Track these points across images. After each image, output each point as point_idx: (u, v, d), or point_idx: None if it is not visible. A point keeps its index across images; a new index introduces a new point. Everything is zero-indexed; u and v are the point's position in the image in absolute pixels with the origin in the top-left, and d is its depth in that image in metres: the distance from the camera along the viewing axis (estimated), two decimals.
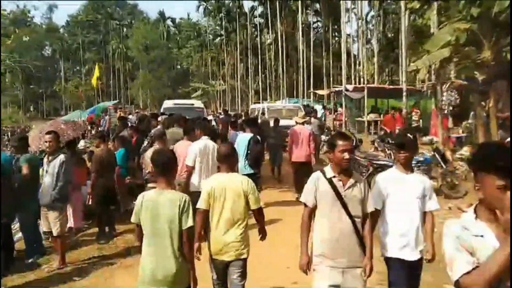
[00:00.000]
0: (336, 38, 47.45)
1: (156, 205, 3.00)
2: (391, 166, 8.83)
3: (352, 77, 36.05)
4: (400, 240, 3.29)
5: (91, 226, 7.36)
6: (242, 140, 7.87)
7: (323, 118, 20.05)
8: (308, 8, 44.72)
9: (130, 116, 21.08)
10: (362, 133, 18.99)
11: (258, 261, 4.03)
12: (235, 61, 52.12)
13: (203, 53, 61.24)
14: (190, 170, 5.79)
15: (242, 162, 7.57)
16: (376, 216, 3.35)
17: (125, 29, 72.95)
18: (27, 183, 5.54)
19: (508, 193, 1.52)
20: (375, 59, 30.64)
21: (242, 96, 51.35)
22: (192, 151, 5.88)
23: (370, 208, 3.18)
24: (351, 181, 3.13)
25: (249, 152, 7.63)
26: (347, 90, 21.86)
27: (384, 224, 3.40)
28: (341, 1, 29.24)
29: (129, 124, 13.14)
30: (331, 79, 39.08)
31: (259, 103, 32.94)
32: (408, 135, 3.46)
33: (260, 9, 51.57)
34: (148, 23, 68.94)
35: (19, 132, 22.13)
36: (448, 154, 10.18)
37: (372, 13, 39.98)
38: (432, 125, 16.17)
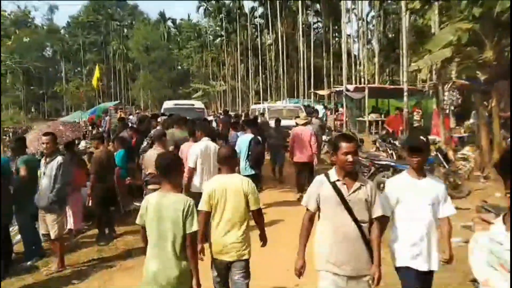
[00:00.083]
0: (337, 39, 47.39)
1: (160, 208, 2.99)
2: (392, 166, 8.95)
3: (353, 78, 35.98)
4: (412, 249, 3.09)
5: (91, 227, 7.31)
6: (242, 141, 7.88)
7: (324, 118, 19.98)
8: (308, 9, 44.67)
9: (130, 117, 21.08)
10: (363, 133, 18.93)
11: (258, 262, 3.97)
12: (236, 62, 52.08)
13: (203, 54, 61.21)
14: (192, 172, 5.78)
15: (243, 163, 7.59)
16: (384, 223, 3.16)
17: (125, 30, 72.95)
18: (25, 185, 5.49)
19: None
20: (376, 59, 30.55)
21: (243, 96, 51.29)
22: (193, 153, 5.87)
23: (377, 213, 3.02)
24: (357, 184, 2.99)
25: (250, 153, 7.64)
26: (347, 90, 21.80)
27: (394, 233, 3.21)
28: (342, 2, 29.18)
29: (130, 125, 13.12)
30: (332, 79, 39.03)
31: (260, 103, 32.90)
32: (421, 137, 3.23)
33: (260, 10, 51.59)
34: (149, 24, 68.97)
35: (21, 133, 22.18)
36: (451, 154, 10.13)
37: (372, 13, 39.93)
38: (433, 125, 16.06)
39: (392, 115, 17.29)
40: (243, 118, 12.70)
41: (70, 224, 7.07)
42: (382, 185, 8.83)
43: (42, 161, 5.26)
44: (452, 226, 3.25)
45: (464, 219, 6.29)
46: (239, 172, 5.96)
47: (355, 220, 2.93)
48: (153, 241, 3.00)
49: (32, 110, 66.79)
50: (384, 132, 14.63)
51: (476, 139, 10.73)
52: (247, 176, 5.59)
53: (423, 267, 3.08)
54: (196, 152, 5.88)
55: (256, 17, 52.60)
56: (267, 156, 10.77)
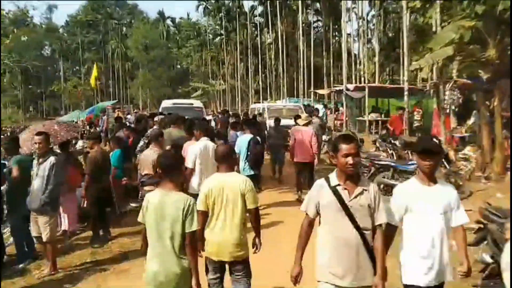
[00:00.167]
0: (337, 38, 47.25)
1: (162, 206, 2.98)
2: (393, 166, 8.84)
3: (353, 77, 35.87)
4: (423, 262, 2.86)
5: (86, 229, 7.17)
6: (242, 141, 7.85)
7: (324, 118, 19.86)
8: (308, 8, 44.55)
9: (128, 116, 20.95)
10: (363, 132, 18.81)
11: (258, 262, 3.90)
12: (235, 61, 51.94)
13: (203, 53, 61.04)
14: (190, 172, 5.69)
15: (242, 164, 7.54)
16: (392, 233, 2.96)
17: (124, 29, 72.76)
18: (17, 185, 5.35)
19: None
20: (376, 58, 30.43)
21: (242, 95, 51.15)
22: (192, 152, 5.76)
23: (381, 219, 2.81)
24: (358, 189, 2.78)
25: (249, 153, 7.61)
26: (347, 89, 21.70)
27: (404, 244, 2.99)
28: (342, 1, 29.04)
29: (128, 124, 13.00)
30: (332, 78, 38.90)
31: (259, 102, 32.79)
32: (434, 139, 3.10)
33: (260, 9, 51.44)
34: (148, 23, 68.76)
35: (19, 132, 22.02)
36: (451, 154, 10.01)
37: (372, 12, 39.78)
38: (434, 125, 15.95)
39: (395, 114, 17.15)
40: (240, 118, 12.58)
41: (64, 225, 6.98)
42: (382, 186, 8.79)
43: (35, 161, 5.12)
44: (466, 237, 3.02)
45: None
46: (238, 172, 5.88)
47: (357, 227, 2.74)
48: (153, 240, 2.99)
49: (31, 109, 66.62)
50: (384, 132, 14.51)
51: (478, 139, 10.61)
52: (246, 176, 5.51)
53: (435, 282, 2.86)
54: (195, 151, 5.81)
55: (256, 16, 52.45)
56: (267, 156, 10.69)
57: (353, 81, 33.33)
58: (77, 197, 7.07)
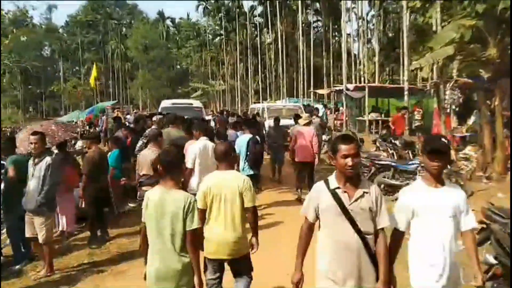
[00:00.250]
0: (336, 38, 47.23)
1: (161, 204, 2.95)
2: (393, 166, 8.77)
3: (353, 77, 35.84)
4: (433, 270, 2.69)
5: (84, 229, 7.10)
6: (241, 141, 7.83)
7: (324, 117, 19.81)
8: (308, 8, 44.51)
9: (128, 116, 20.90)
10: (363, 132, 18.76)
11: (257, 263, 3.84)
12: (235, 61, 51.88)
13: (202, 53, 61.00)
14: (189, 172, 5.64)
15: (242, 164, 7.54)
16: (398, 238, 2.78)
17: (124, 29, 72.69)
18: (13, 186, 5.29)
19: None
20: (376, 58, 30.39)
21: (242, 96, 51.10)
22: (191, 152, 5.69)
23: (383, 223, 2.67)
24: (359, 191, 2.64)
25: (248, 153, 7.59)
26: (347, 89, 21.66)
27: (411, 251, 2.83)
28: (342, 1, 29.00)
29: (127, 124, 12.94)
30: (331, 78, 38.87)
31: (259, 103, 32.74)
32: (443, 139, 2.80)
33: (259, 9, 51.41)
34: (148, 23, 68.68)
35: (18, 132, 21.93)
36: (452, 153, 9.94)
37: (372, 12, 39.75)
38: (434, 125, 15.89)
39: (397, 114, 17.06)
40: (236, 117, 12.55)
41: (62, 226, 6.92)
42: (382, 186, 8.73)
43: (31, 161, 5.05)
44: (476, 240, 2.89)
45: None
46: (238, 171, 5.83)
47: (358, 231, 2.61)
48: (153, 237, 2.96)
49: (30, 109, 66.50)
50: (384, 131, 14.43)
51: (479, 138, 10.56)
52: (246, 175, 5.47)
53: None
54: (194, 151, 5.75)
55: (256, 16, 52.41)
56: (267, 156, 10.64)
57: (353, 81, 33.30)
58: (75, 198, 7.00)
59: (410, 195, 2.81)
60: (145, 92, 60.57)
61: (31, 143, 4.89)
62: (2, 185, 5.47)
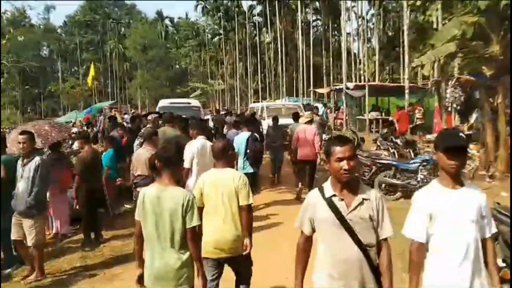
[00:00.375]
0: (336, 37, 47.11)
1: (159, 202, 2.87)
2: (394, 165, 8.62)
3: (353, 76, 35.74)
4: (456, 283, 2.34)
5: (78, 231, 6.93)
6: (240, 139, 7.72)
7: (324, 116, 19.66)
8: (307, 7, 44.38)
9: (125, 116, 20.76)
10: (363, 131, 18.63)
11: (255, 266, 3.73)
12: (234, 60, 51.76)
13: (201, 53, 60.90)
14: (187, 172, 5.50)
15: (241, 162, 7.46)
16: (420, 252, 2.40)
17: (123, 29, 72.57)
18: (4, 186, 5.10)
19: None
20: (376, 57, 30.26)
21: (242, 95, 50.98)
22: (189, 152, 5.53)
23: (386, 233, 2.40)
24: (358, 198, 2.36)
25: (248, 151, 7.52)
26: (347, 88, 21.55)
27: (428, 264, 2.45)
28: (341, 0, 28.87)
29: (125, 124, 12.78)
30: (331, 78, 38.78)
31: (259, 102, 32.61)
32: (460, 134, 2.49)
33: (259, 8, 51.29)
34: (146, 23, 68.55)
35: (11, 132, 21.78)
36: None
37: (372, 11, 39.66)
38: (435, 123, 15.76)
39: (402, 111, 16.89)
40: (235, 117, 12.46)
41: (55, 228, 6.76)
42: (383, 185, 8.59)
43: (19, 162, 4.86)
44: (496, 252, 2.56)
45: None
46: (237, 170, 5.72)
47: (358, 243, 2.33)
48: (151, 236, 2.89)
49: (29, 110, 66.32)
50: (385, 130, 14.27)
51: (481, 137, 10.39)
52: (245, 174, 5.32)
53: None
54: (192, 150, 5.59)
55: (255, 15, 52.32)
56: (266, 155, 10.50)
57: (353, 80, 33.16)
58: (69, 199, 6.84)
59: (426, 199, 2.43)
60: (144, 92, 60.42)
61: (19, 142, 4.72)
62: None
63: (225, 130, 11.99)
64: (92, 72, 21.74)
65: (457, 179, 2.39)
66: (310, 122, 9.00)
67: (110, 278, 4.99)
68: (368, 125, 19.50)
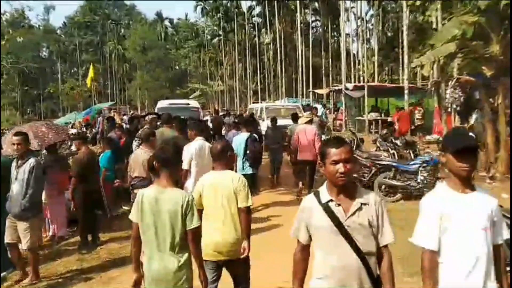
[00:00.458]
0: (335, 38, 47.10)
1: (157, 204, 2.84)
2: (394, 167, 8.56)
3: (352, 77, 35.70)
4: None
5: (75, 234, 6.86)
6: (238, 140, 7.67)
7: (323, 117, 19.61)
8: (306, 7, 44.38)
9: (124, 117, 20.67)
10: (363, 132, 18.58)
11: (254, 269, 3.69)
12: (234, 61, 51.74)
13: (201, 54, 60.90)
14: (185, 174, 5.44)
15: (240, 163, 7.41)
16: (433, 262, 2.21)
17: (122, 30, 72.55)
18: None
19: None
20: (375, 58, 30.24)
21: (241, 96, 50.94)
22: (187, 153, 5.45)
23: (387, 239, 2.26)
24: (356, 203, 2.21)
25: (247, 151, 7.48)
26: (347, 89, 21.51)
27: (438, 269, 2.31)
28: (340, 0, 28.85)
29: (124, 125, 12.72)
30: (330, 78, 38.76)
31: (258, 103, 32.57)
32: (471, 134, 2.30)
33: (258, 9, 51.29)
34: (146, 24, 68.55)
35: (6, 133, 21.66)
36: None
37: (371, 12, 39.65)
38: (435, 124, 15.70)
39: (403, 111, 16.82)
40: (233, 118, 12.42)
41: (52, 230, 6.69)
42: (383, 187, 8.52)
43: (14, 164, 4.79)
44: (506, 258, 2.45)
45: None
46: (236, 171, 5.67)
47: (357, 251, 2.18)
48: (150, 238, 2.86)
49: (28, 111, 66.24)
50: (385, 131, 14.21)
51: (481, 138, 10.32)
52: (245, 175, 5.28)
53: None
54: (191, 151, 5.53)
55: (254, 16, 52.29)
56: (265, 156, 10.45)
57: (352, 81, 33.12)
58: (66, 200, 6.78)
59: (436, 204, 2.25)
60: (144, 93, 60.39)
61: (14, 144, 4.64)
62: None
63: (223, 131, 11.92)
64: (91, 73, 21.63)
65: (467, 183, 2.25)
66: (310, 122, 8.96)
67: (106, 282, 4.93)
68: (367, 126, 19.44)
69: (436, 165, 8.34)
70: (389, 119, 18.67)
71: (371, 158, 9.17)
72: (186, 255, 2.87)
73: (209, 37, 61.81)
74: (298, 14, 38.46)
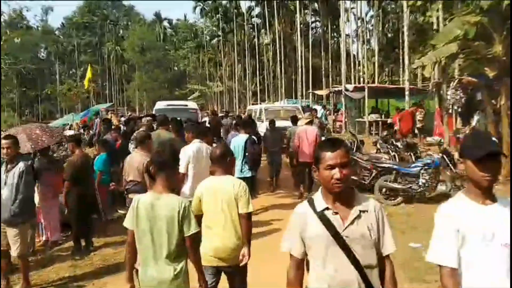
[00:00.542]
0: (335, 38, 47.01)
1: (153, 210, 2.80)
2: (395, 169, 8.41)
3: (352, 78, 35.60)
4: None
5: (70, 238, 6.70)
6: (237, 142, 7.57)
7: (323, 118, 19.49)
8: (306, 8, 44.29)
9: (122, 118, 20.52)
10: (363, 134, 18.45)
11: (252, 274, 3.61)
12: (233, 62, 51.65)
13: (200, 54, 60.81)
14: (182, 177, 5.25)
15: (239, 165, 7.26)
16: (454, 280, 1.95)
17: (121, 31, 72.47)
18: None
19: None
20: (375, 59, 30.14)
21: (240, 97, 50.83)
22: (184, 156, 5.29)
23: (390, 249, 2.08)
24: (354, 211, 2.02)
25: (246, 154, 7.40)
26: (347, 90, 21.39)
27: None
28: (340, 1, 28.74)
29: (121, 127, 12.56)
30: (330, 79, 38.64)
31: (257, 104, 32.45)
32: (493, 138, 2.03)
33: (257, 10, 51.19)
34: (144, 25, 68.50)
35: None
36: (456, 156, 9.60)
37: (371, 12, 39.58)
38: (435, 125, 15.57)
39: (406, 110, 16.65)
40: (231, 119, 12.31)
41: (45, 235, 6.53)
42: (384, 190, 8.38)
43: (3, 168, 4.63)
44: None
45: None
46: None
47: (355, 263, 1.99)
48: (146, 245, 2.81)
49: (26, 113, 66.08)
50: (385, 133, 14.07)
51: None
52: (244, 178, 5.13)
53: None
54: (188, 154, 5.35)
55: (253, 17, 52.21)
56: (263, 158, 10.31)
57: (352, 82, 33.01)
58: (60, 204, 6.62)
59: (453, 215, 2.01)
60: (142, 94, 60.28)
61: (3, 147, 4.48)
62: None
63: (221, 133, 11.81)
64: (89, 74, 21.54)
65: (489, 193, 1.99)
66: (310, 123, 8.91)
67: None
68: (367, 127, 19.31)
69: (438, 168, 8.20)
70: (389, 120, 18.53)
71: (372, 160, 9.04)
72: (182, 262, 2.83)
73: (208, 37, 61.74)
74: (297, 14, 38.34)
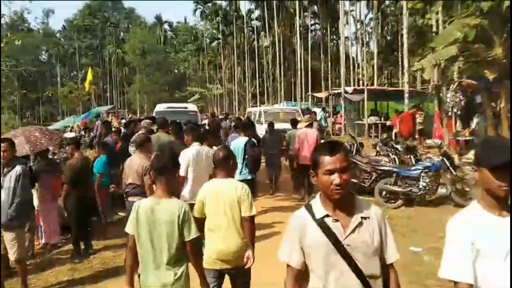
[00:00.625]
0: (334, 41, 47.06)
1: (153, 215, 2.80)
2: (395, 172, 8.38)
3: (351, 80, 35.60)
4: None
5: (69, 241, 6.67)
6: (237, 144, 7.53)
7: (323, 120, 19.46)
8: (306, 11, 44.33)
9: (122, 121, 20.52)
10: (362, 136, 18.42)
11: (253, 278, 3.58)
12: (233, 65, 51.70)
13: (200, 57, 60.88)
14: (182, 181, 5.24)
15: (239, 167, 7.15)
16: None
17: (121, 34, 72.57)
18: None
19: None
20: (375, 61, 30.15)
21: (240, 100, 50.85)
22: (184, 159, 5.27)
23: (393, 257, 1.98)
24: (356, 218, 1.91)
25: (246, 156, 7.37)
26: (346, 92, 21.37)
27: None
28: (340, 4, 28.77)
29: (122, 129, 12.55)
30: (329, 82, 38.63)
31: (257, 106, 32.43)
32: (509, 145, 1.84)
33: (257, 12, 51.24)
34: (145, 28, 68.61)
35: None
36: (456, 158, 9.58)
37: (370, 15, 39.64)
38: (435, 128, 15.55)
39: (406, 111, 16.63)
40: (229, 122, 12.30)
41: (45, 238, 6.51)
42: (384, 193, 8.36)
43: None
44: None
45: None
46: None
47: (357, 273, 1.89)
48: (146, 251, 2.82)
49: (27, 115, 66.10)
50: (385, 135, 14.05)
51: None
52: (243, 180, 5.12)
53: None
54: (188, 157, 5.33)
55: (253, 20, 52.27)
56: (262, 161, 10.29)
57: (351, 84, 33.02)
58: (60, 207, 6.60)
59: (467, 227, 1.85)
60: (143, 96, 60.33)
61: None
62: None
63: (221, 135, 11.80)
64: (89, 76, 21.55)
65: (505, 204, 1.83)
66: (310, 125, 8.91)
67: None
68: (367, 130, 19.29)
69: (438, 171, 8.17)
70: (388, 122, 18.51)
71: (372, 163, 9.03)
72: (183, 267, 2.82)
73: (208, 40, 61.82)
74: (297, 17, 38.37)
